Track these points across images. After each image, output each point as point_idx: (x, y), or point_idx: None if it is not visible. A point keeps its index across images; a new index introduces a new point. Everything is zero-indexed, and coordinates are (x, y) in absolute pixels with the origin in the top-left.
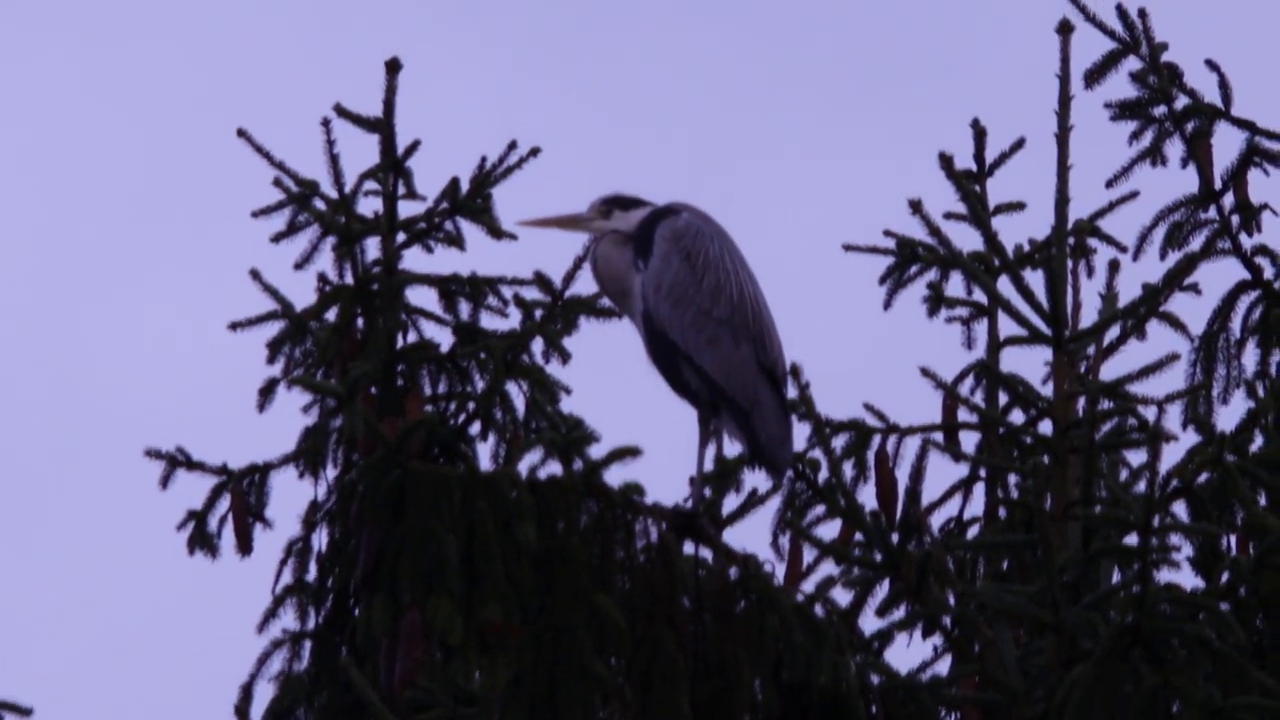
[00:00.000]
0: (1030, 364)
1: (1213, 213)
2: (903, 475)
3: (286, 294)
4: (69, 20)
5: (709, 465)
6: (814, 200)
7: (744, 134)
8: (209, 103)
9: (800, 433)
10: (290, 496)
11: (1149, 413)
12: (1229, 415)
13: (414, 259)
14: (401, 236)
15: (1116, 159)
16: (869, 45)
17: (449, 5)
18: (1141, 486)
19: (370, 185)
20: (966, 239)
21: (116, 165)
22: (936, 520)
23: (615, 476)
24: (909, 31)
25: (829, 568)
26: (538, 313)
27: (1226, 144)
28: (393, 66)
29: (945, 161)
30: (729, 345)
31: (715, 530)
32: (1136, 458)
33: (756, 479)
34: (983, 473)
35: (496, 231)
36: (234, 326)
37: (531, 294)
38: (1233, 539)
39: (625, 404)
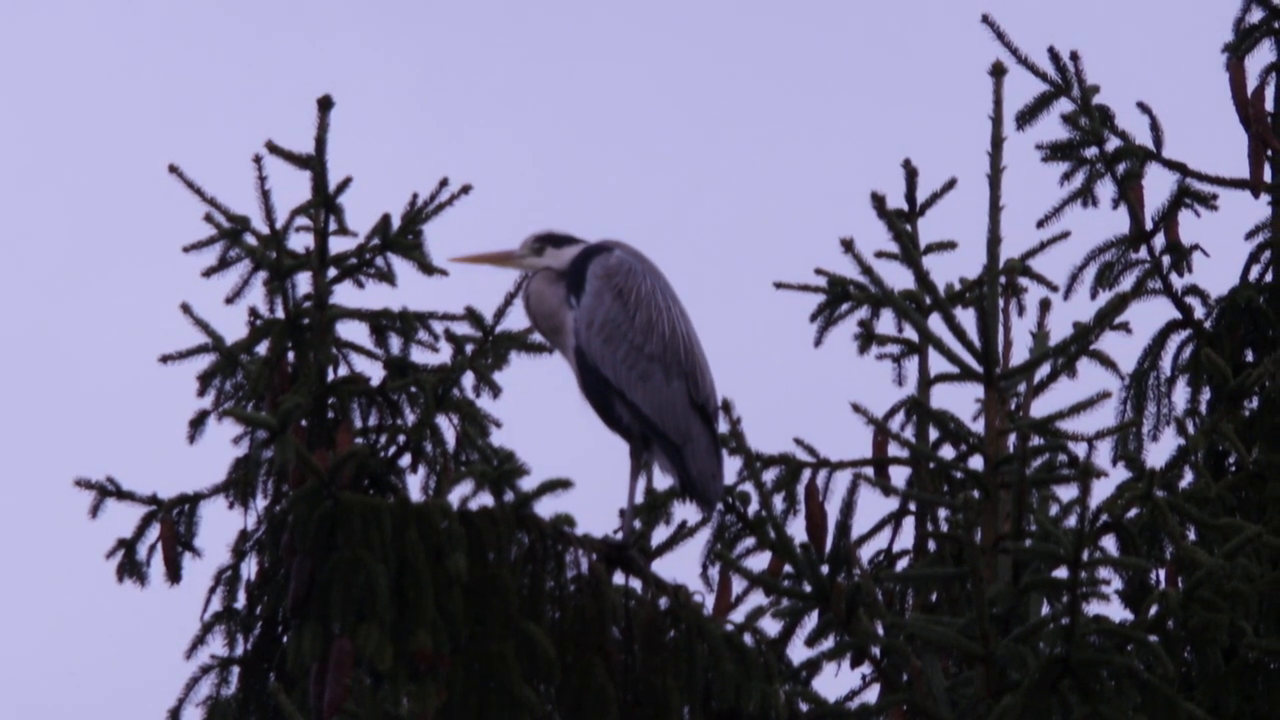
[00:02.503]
0: (961, 401)
1: (1144, 253)
2: (833, 509)
3: (217, 328)
4: None
5: (640, 498)
6: (746, 237)
7: (675, 171)
8: (141, 139)
9: (731, 467)
10: (220, 527)
11: (1079, 449)
12: (1159, 452)
13: (345, 294)
14: (333, 272)
15: (1048, 199)
16: (803, 86)
17: (382, 43)
18: (1072, 521)
19: (302, 221)
20: (898, 277)
21: (47, 199)
22: (866, 553)
23: (546, 508)
24: (842, 73)
25: (758, 598)
26: (469, 347)
27: (1158, 185)
28: (324, 104)
29: (877, 201)
30: (661, 381)
31: (645, 561)
32: (1067, 493)
33: (687, 511)
34: (913, 507)
35: (428, 268)
36: (165, 359)
37: (463, 329)
38: (1162, 573)
39: (556, 438)
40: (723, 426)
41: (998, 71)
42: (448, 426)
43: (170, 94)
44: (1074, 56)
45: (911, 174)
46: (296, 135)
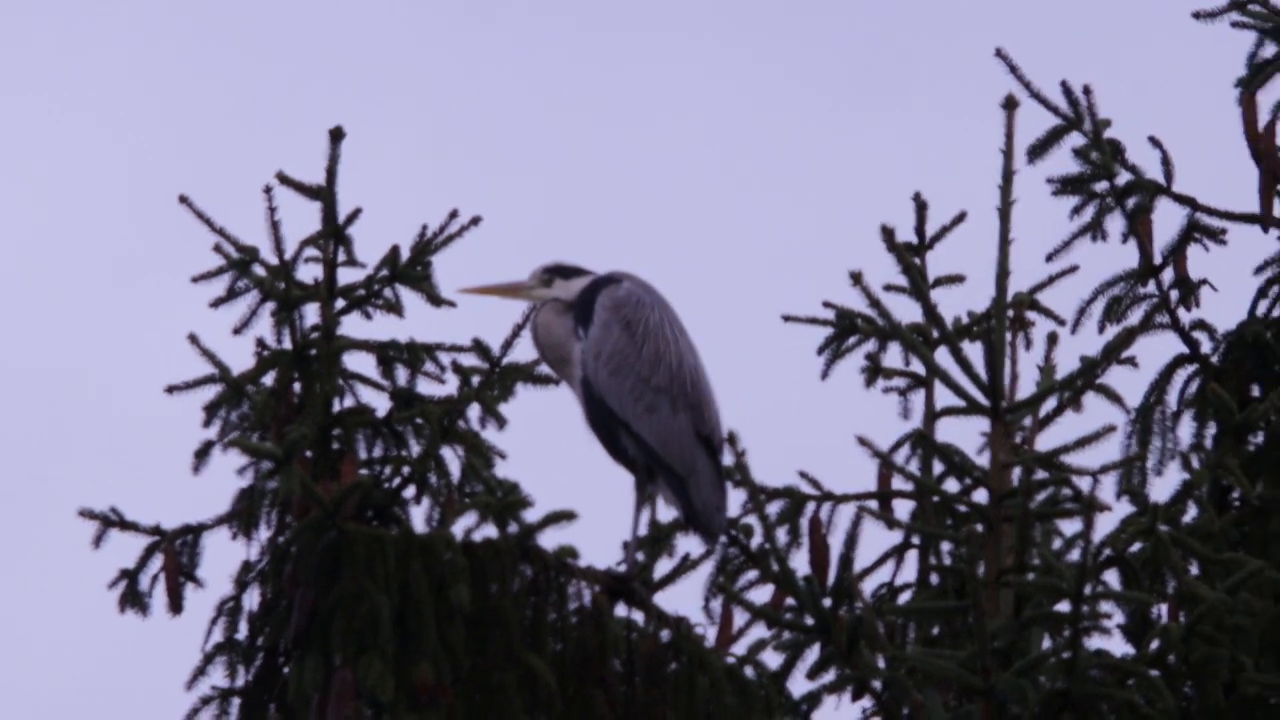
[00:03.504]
0: (966, 434)
1: (1152, 287)
2: (836, 542)
3: (224, 359)
4: None
5: (643, 530)
6: (754, 270)
7: (684, 203)
8: (151, 168)
9: (735, 499)
10: (223, 557)
11: (1084, 483)
12: (1164, 487)
13: (353, 325)
14: (341, 303)
15: (1057, 233)
16: (814, 118)
17: (394, 73)
18: (1075, 555)
19: (311, 252)
20: (906, 310)
21: (55, 226)
22: (869, 586)
23: (550, 540)
24: (854, 104)
25: (760, 631)
26: (475, 379)
27: (1167, 220)
28: (336, 135)
29: (886, 234)
30: (667, 413)
31: (648, 593)
32: (1070, 527)
33: (690, 544)
34: (916, 540)
35: (436, 299)
36: (171, 390)
37: (469, 360)
38: (1164, 608)
39: (561, 469)
40: (728, 459)
41: (1010, 105)
42: (453, 458)
43: (181, 123)
44: (1086, 90)
45: (921, 207)
46: (307, 166)
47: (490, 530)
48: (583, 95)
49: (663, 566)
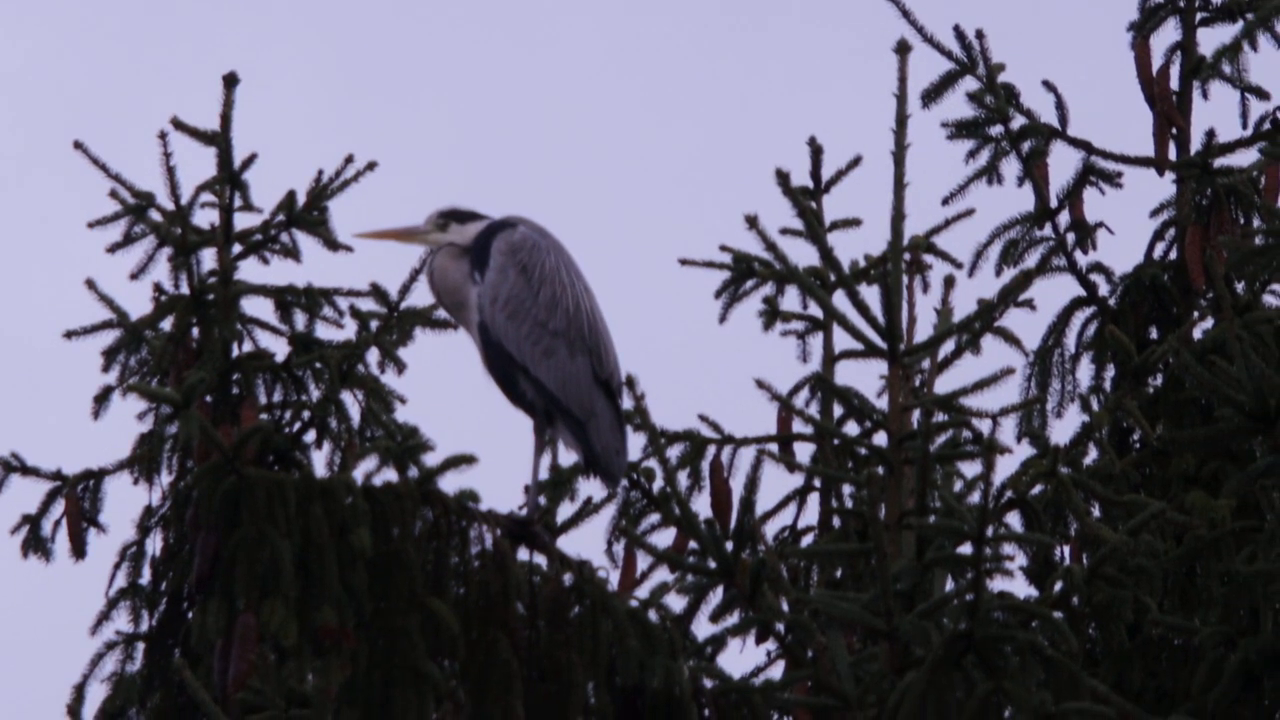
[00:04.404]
0: (866, 378)
1: (1048, 230)
2: (737, 485)
3: (122, 304)
4: None
5: (544, 474)
6: (650, 214)
7: (579, 147)
8: (46, 115)
9: (636, 443)
10: (125, 502)
11: (984, 426)
12: (1063, 429)
13: (250, 270)
14: (238, 248)
15: (953, 177)
16: (709, 62)
17: (287, 19)
18: (976, 498)
19: (207, 197)
20: (803, 254)
21: None
22: (771, 529)
23: (450, 484)
24: (749, 50)
25: (663, 575)
26: (374, 324)
27: (1063, 163)
28: (230, 80)
29: (781, 178)
30: (565, 357)
31: (550, 537)
32: (971, 470)
33: (592, 488)
34: (817, 483)
35: (333, 244)
36: (69, 335)
37: (367, 305)
38: (1066, 550)
39: (461, 414)
40: (627, 403)
41: (902, 49)
42: (352, 402)
43: (76, 69)
44: (979, 35)
45: (816, 151)
46: (202, 112)
47: (391, 474)
48: (477, 39)
49: (565, 511)
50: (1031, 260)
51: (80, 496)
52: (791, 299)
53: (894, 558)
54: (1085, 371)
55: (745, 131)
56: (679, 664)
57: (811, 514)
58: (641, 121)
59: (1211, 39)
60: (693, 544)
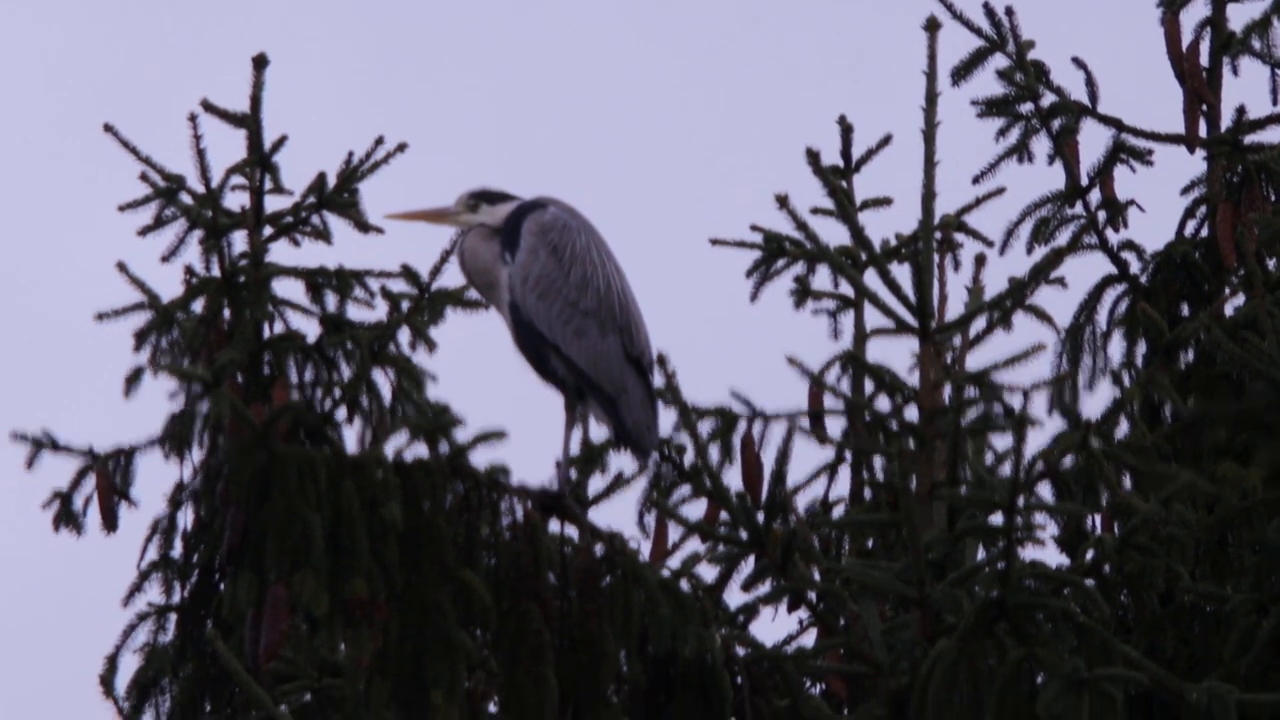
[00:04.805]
0: (897, 355)
1: (1079, 208)
2: (768, 459)
3: (153, 286)
4: None
5: (575, 449)
6: (681, 194)
7: (610, 128)
8: (77, 97)
9: (667, 419)
10: (156, 478)
11: (1015, 401)
12: (1095, 405)
13: (281, 252)
14: (268, 230)
15: (983, 156)
16: (740, 43)
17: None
18: (1007, 470)
19: (237, 180)
20: (834, 233)
21: None
22: (801, 502)
23: (481, 459)
24: (779, 28)
25: (695, 545)
26: (404, 304)
27: (1093, 141)
28: (259, 62)
29: (812, 157)
30: (596, 336)
31: (581, 509)
32: (1002, 443)
33: (623, 462)
34: (848, 456)
35: (363, 225)
36: (100, 317)
37: (399, 286)
38: (1097, 519)
39: (492, 392)
40: (658, 380)
41: (932, 26)
42: (383, 381)
43: (106, 52)
44: (1009, 12)
45: (847, 130)
46: (232, 94)
47: (422, 450)
48: (505, 17)
49: (596, 484)
50: (1062, 238)
51: (111, 472)
52: (823, 278)
53: (925, 528)
54: (1117, 348)
55: (776, 111)
56: (711, 632)
57: (842, 487)
58: (672, 100)
59: (1241, 15)
60: (724, 515)
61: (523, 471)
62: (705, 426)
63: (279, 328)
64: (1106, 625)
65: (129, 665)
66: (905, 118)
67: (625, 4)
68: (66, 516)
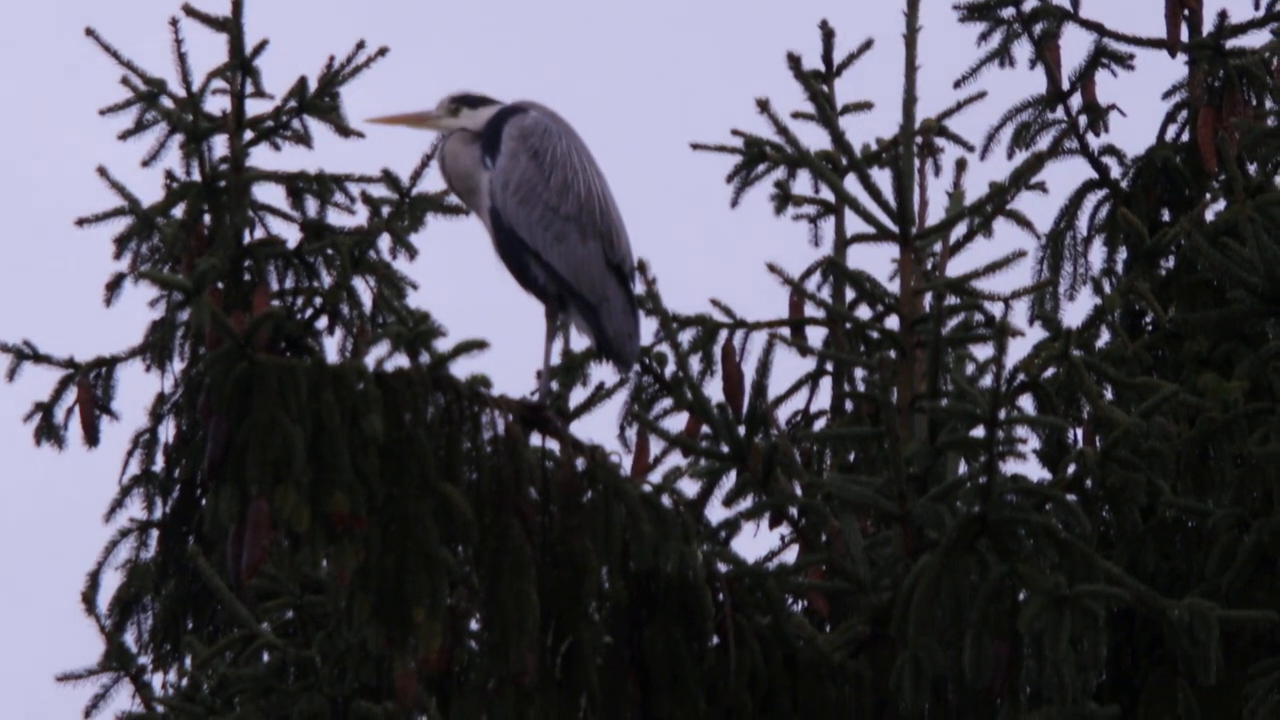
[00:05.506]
0: (877, 262)
1: (1060, 113)
2: (749, 369)
3: (134, 191)
4: None
5: (556, 359)
6: (662, 98)
7: (589, 32)
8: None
9: (648, 328)
10: (137, 390)
11: (996, 309)
12: (1076, 312)
13: (262, 157)
14: (249, 135)
15: (965, 60)
16: None
17: None
18: (988, 380)
19: (218, 84)
20: (814, 138)
21: None
22: (783, 414)
23: (462, 369)
24: None
25: (676, 459)
26: (385, 210)
27: (1075, 45)
28: None
29: (793, 61)
30: (576, 242)
31: (562, 422)
32: (983, 353)
33: (604, 373)
34: (829, 367)
35: (344, 130)
36: (80, 222)
37: (379, 191)
38: (1079, 432)
39: (473, 300)
40: (639, 288)
41: None
42: (364, 289)
43: None
44: None
45: (828, 35)
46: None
47: (402, 360)
48: None
49: (577, 396)
50: (1043, 143)
51: (93, 384)
52: (803, 183)
53: (906, 441)
54: (1097, 254)
55: (756, 15)
56: (693, 548)
57: (824, 398)
58: (652, 6)
59: None
60: (705, 429)
61: (503, 382)
62: (686, 336)
63: (259, 233)
64: (1088, 541)
65: (111, 582)
66: (887, 22)
67: None
68: (48, 430)
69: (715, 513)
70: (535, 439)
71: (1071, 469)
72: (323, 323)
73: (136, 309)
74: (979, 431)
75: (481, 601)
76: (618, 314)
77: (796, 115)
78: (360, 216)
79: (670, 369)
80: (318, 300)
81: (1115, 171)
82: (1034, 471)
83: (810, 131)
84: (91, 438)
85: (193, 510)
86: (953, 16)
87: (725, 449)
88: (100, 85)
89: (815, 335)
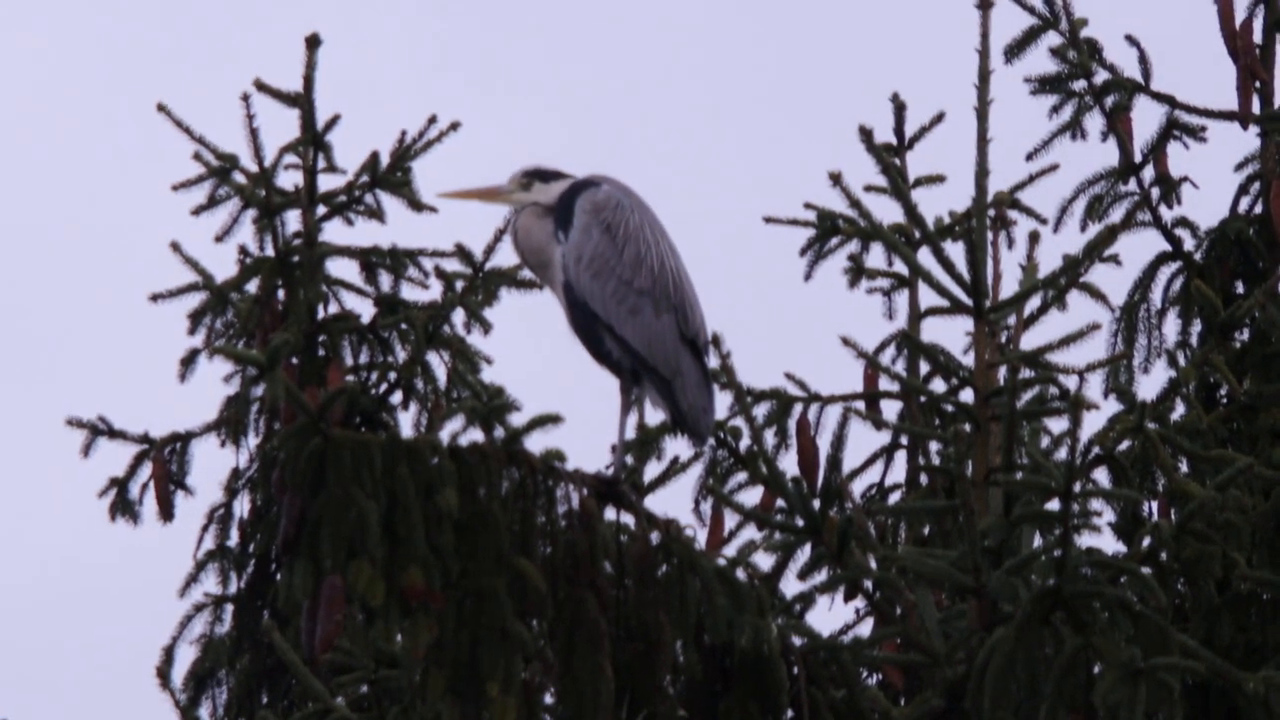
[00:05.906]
0: (951, 335)
1: (1133, 185)
2: (824, 443)
3: (207, 266)
4: None
5: (631, 433)
6: (735, 172)
7: (664, 106)
8: (130, 78)
9: (722, 402)
10: (212, 465)
11: (1070, 382)
12: (1150, 384)
13: (335, 232)
14: (322, 209)
15: (1037, 133)
16: (794, 20)
17: None
18: (1063, 453)
19: (290, 159)
20: (887, 211)
21: (37, 137)
22: (858, 487)
23: (537, 444)
24: (832, 6)
25: (751, 533)
26: (459, 284)
27: (1146, 118)
28: (312, 42)
29: (865, 135)
30: (650, 316)
31: (637, 496)
32: (1058, 426)
33: (679, 447)
34: (904, 440)
35: (416, 204)
36: (155, 298)
37: (452, 265)
38: (1154, 505)
39: (547, 374)
40: (713, 361)
41: (985, 5)
42: (438, 363)
43: (160, 32)
44: None
45: (900, 108)
46: (285, 73)
47: (477, 435)
48: (558, 5)
49: (652, 470)
50: (1116, 215)
51: (167, 459)
52: (876, 256)
53: (981, 515)
54: (1171, 326)
55: (829, 89)
56: (767, 622)
57: (898, 472)
58: (727, 78)
59: None
60: (780, 502)
61: (578, 457)
62: (760, 410)
63: (333, 308)
64: (1163, 613)
65: (186, 656)
66: (958, 95)
67: None
68: (123, 505)
69: (790, 586)
70: (610, 513)
71: (1146, 542)
72: (397, 398)
73: (211, 384)
74: (1054, 505)
75: (556, 676)
76: (692, 388)
77: (869, 188)
78: (434, 291)
79: (745, 443)
80: (392, 375)
81: (1189, 244)
82: (1109, 544)
83: (883, 204)
84: (166, 513)
85: (267, 585)
86: (1024, 89)
87: (800, 522)
88: (173, 161)
89: (890, 409)
